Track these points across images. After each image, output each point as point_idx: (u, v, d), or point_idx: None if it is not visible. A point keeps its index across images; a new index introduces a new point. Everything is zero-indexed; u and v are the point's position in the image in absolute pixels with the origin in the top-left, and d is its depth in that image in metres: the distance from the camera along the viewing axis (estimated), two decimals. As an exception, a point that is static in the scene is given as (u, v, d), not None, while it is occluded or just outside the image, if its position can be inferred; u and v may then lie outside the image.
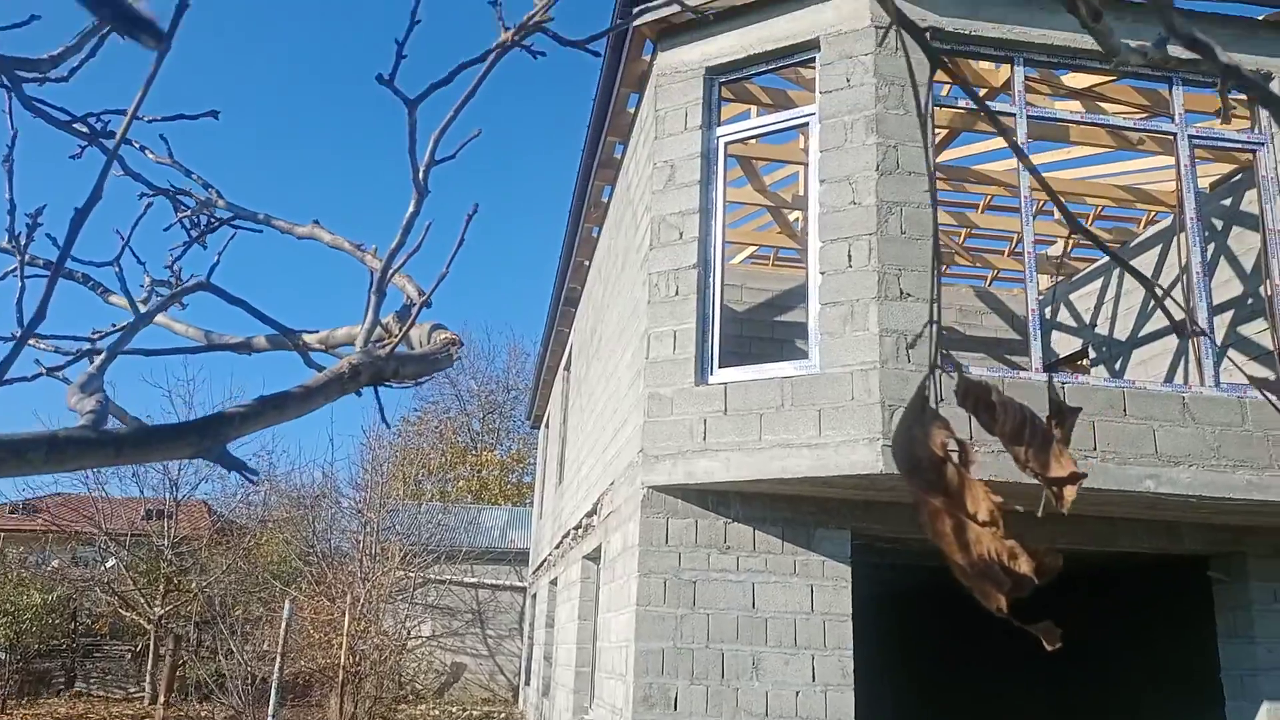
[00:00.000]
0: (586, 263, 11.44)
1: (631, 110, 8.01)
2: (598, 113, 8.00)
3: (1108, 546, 6.91)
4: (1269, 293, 6.59)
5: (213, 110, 1.40)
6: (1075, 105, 7.92)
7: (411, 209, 0.97)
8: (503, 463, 35.31)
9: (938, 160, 9.14)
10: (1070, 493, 0.99)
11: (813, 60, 6.38)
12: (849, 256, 6.03)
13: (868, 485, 6.12)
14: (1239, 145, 6.69)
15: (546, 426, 17.50)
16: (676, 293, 6.53)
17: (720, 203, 6.61)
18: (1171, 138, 6.55)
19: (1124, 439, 5.92)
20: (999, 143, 9.81)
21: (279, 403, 0.80)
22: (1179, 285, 9.03)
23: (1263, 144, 6.56)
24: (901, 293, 5.92)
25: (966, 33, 6.26)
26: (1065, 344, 11.44)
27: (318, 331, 1.23)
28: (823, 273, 6.10)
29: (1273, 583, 6.88)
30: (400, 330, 0.97)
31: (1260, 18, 6.62)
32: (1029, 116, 6.37)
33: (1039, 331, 6.16)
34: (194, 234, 1.54)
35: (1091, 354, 10.88)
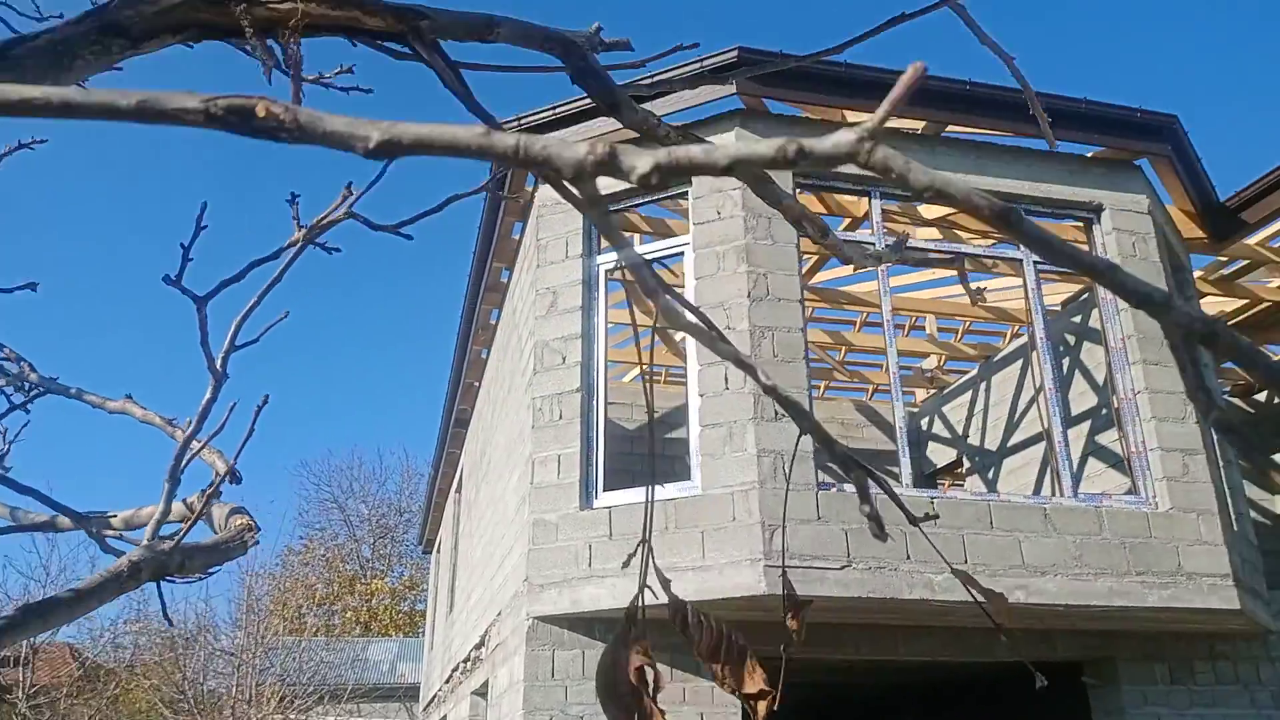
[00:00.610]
0: (476, 384, 11.39)
1: (517, 237, 8.18)
2: (482, 241, 8.14)
3: (987, 657, 7.04)
4: (1116, 405, 7.05)
5: (31, 282, 1.38)
6: (934, 232, 8.49)
7: (208, 395, 0.98)
8: (394, 590, 33.89)
9: (811, 283, 9.58)
10: (763, 708, 1.03)
11: (687, 193, 6.68)
12: (726, 380, 6.20)
13: (753, 606, 6.13)
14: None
15: (438, 552, 16.99)
16: (560, 417, 6.56)
17: (602, 327, 6.74)
18: (1018, 263, 7.06)
19: (993, 551, 6.13)
20: (847, 269, 10.38)
21: (44, 610, 0.77)
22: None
23: (1098, 269, 7.12)
24: (777, 414, 6.09)
25: (827, 169, 6.68)
26: (941, 454, 11.88)
27: (121, 513, 1.20)
28: (702, 395, 6.24)
29: (1142, 685, 7.11)
30: (199, 509, 0.96)
31: (1089, 154, 7.30)
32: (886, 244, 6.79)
33: (907, 448, 6.40)
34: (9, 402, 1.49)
35: (966, 464, 11.33)
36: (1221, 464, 7.70)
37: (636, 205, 6.94)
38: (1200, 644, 7.43)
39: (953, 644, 6.97)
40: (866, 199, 6.86)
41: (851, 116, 6.88)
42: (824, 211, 7.80)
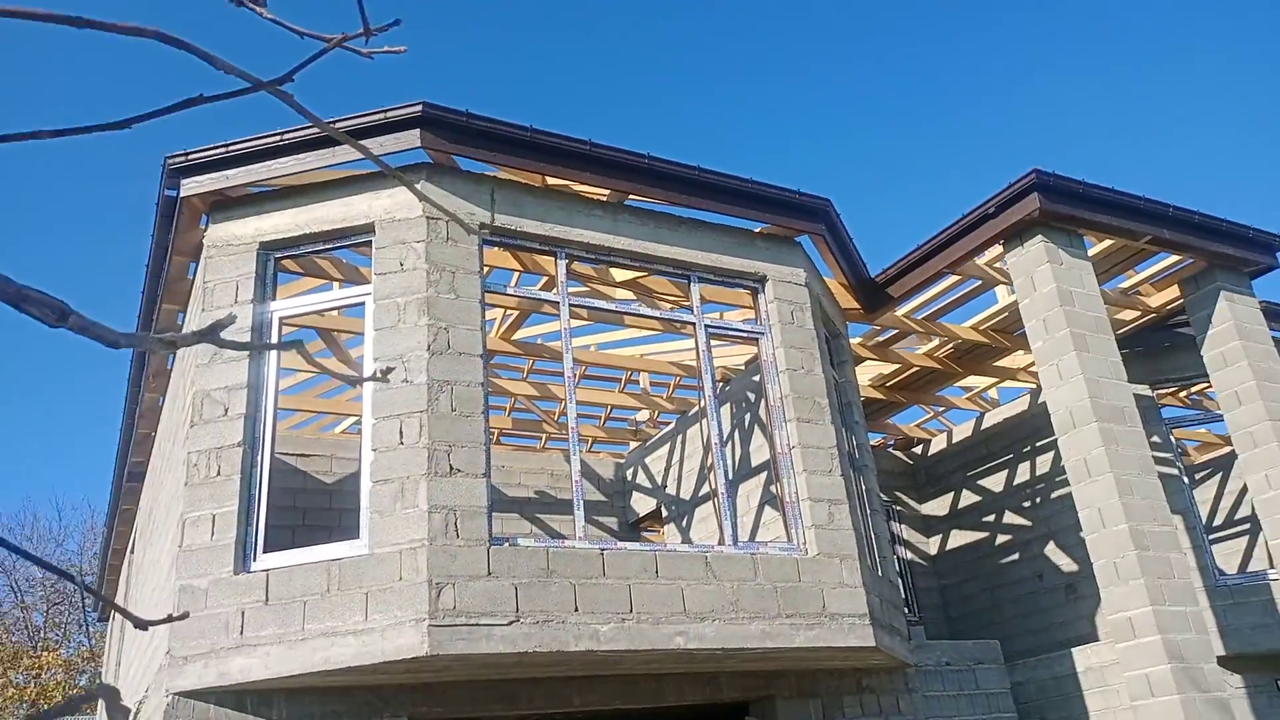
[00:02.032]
0: (152, 434, 10.42)
1: (191, 278, 7.62)
2: (150, 281, 7.51)
3: (658, 702, 7.30)
4: (774, 459, 7.65)
5: None
6: (629, 294, 8.89)
7: None
8: (69, 662, 29.91)
9: (514, 338, 9.70)
10: None
11: (369, 242, 6.55)
12: (400, 434, 6.07)
13: (420, 667, 5.98)
14: (745, 335, 7.84)
15: (113, 619, 15.23)
16: (218, 473, 6.11)
17: (273, 378, 6.40)
18: (691, 326, 7.53)
19: (657, 599, 6.39)
20: (573, 322, 10.67)
21: None
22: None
23: (764, 333, 7.76)
24: (451, 469, 6.04)
25: (515, 229, 6.82)
26: (644, 504, 12.34)
27: None
28: (375, 450, 6.07)
29: (797, 721, 7.65)
30: None
31: (757, 230, 7.97)
32: (571, 304, 7.01)
33: (581, 502, 6.56)
34: None
35: (665, 513, 11.83)
36: (869, 512, 8.58)
37: (312, 252, 6.69)
38: (849, 680, 8.13)
39: (626, 692, 7.16)
40: (554, 258, 7.05)
41: (529, 179, 7.08)
42: (519, 269, 7.94)
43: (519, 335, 10.16)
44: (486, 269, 8.14)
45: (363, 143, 6.14)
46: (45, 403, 46.36)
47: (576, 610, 6.11)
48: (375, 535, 5.91)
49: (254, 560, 6.00)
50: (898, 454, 14.24)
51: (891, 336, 10.62)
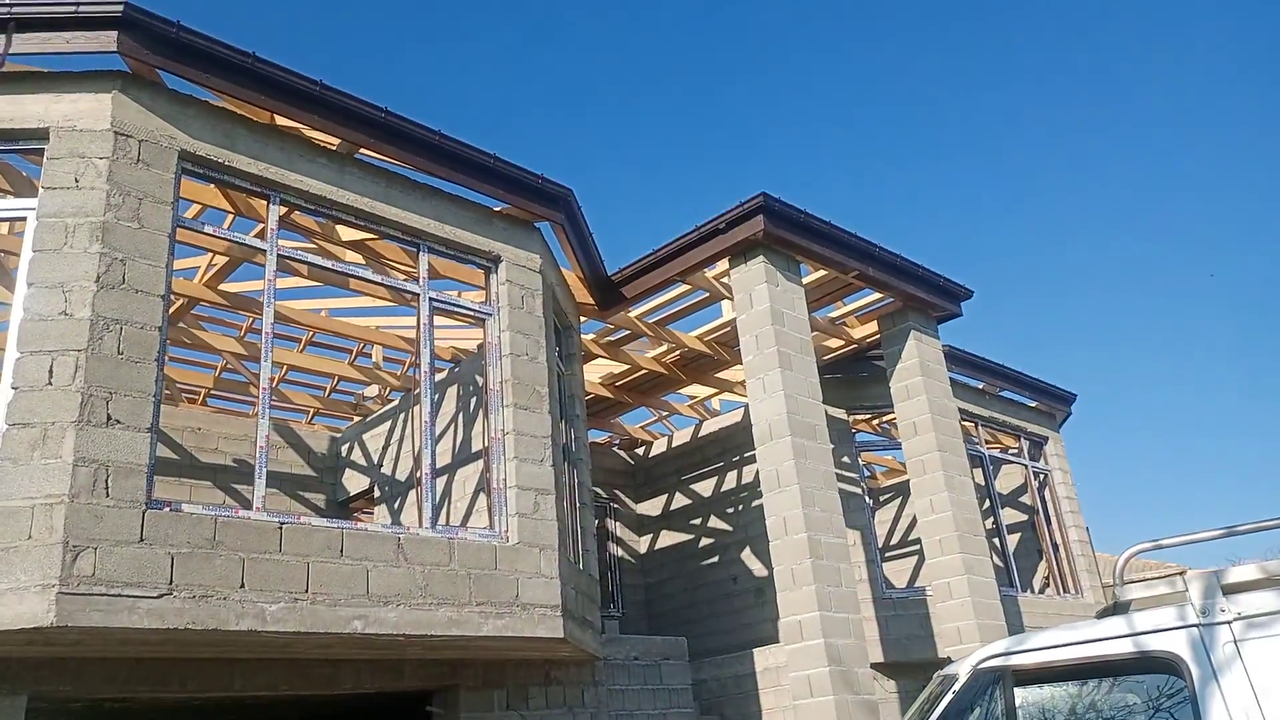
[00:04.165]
0: None
1: None
2: None
3: (332, 690, 6.90)
4: (488, 444, 7.48)
5: None
6: (359, 257, 8.36)
7: None
8: None
9: (223, 288, 8.87)
10: None
11: (42, 150, 5.67)
12: (50, 373, 5.29)
13: (47, 639, 5.23)
14: (473, 313, 7.62)
15: None
16: None
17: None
18: (416, 298, 7.20)
19: (338, 580, 6.01)
20: (297, 281, 9.94)
21: None
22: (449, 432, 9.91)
23: (491, 314, 7.57)
24: (110, 419, 5.35)
25: (223, 163, 6.18)
26: (358, 482, 11.75)
27: None
28: (15, 388, 5.24)
29: (479, 712, 7.51)
30: None
31: (496, 209, 7.78)
32: (280, 255, 6.47)
33: (264, 470, 6.05)
34: None
35: (378, 493, 11.32)
36: (579, 505, 8.62)
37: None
38: (538, 671, 8.11)
39: (296, 677, 6.70)
40: (266, 202, 6.47)
41: (254, 114, 6.47)
42: (229, 210, 7.24)
43: (235, 288, 9.33)
44: (199, 206, 7.37)
45: (47, 35, 5.34)
46: None
47: (243, 587, 5.61)
48: (5, 486, 5.10)
49: None
50: (621, 453, 14.56)
51: (624, 337, 10.80)
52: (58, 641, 5.30)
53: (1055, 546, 13.11)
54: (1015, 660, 3.41)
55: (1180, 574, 3.43)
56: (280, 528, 5.87)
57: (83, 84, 5.70)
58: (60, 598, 4.95)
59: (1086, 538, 13.85)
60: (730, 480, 13.15)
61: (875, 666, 10.56)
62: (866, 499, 11.78)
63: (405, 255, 8.21)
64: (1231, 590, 3.37)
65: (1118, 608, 3.52)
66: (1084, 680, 3.38)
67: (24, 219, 5.62)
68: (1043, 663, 3.38)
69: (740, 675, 10.60)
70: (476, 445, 9.46)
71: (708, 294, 9.78)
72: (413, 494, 10.60)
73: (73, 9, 5.43)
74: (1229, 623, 3.28)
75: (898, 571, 14.73)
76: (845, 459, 11.45)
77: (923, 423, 9.78)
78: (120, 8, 5.52)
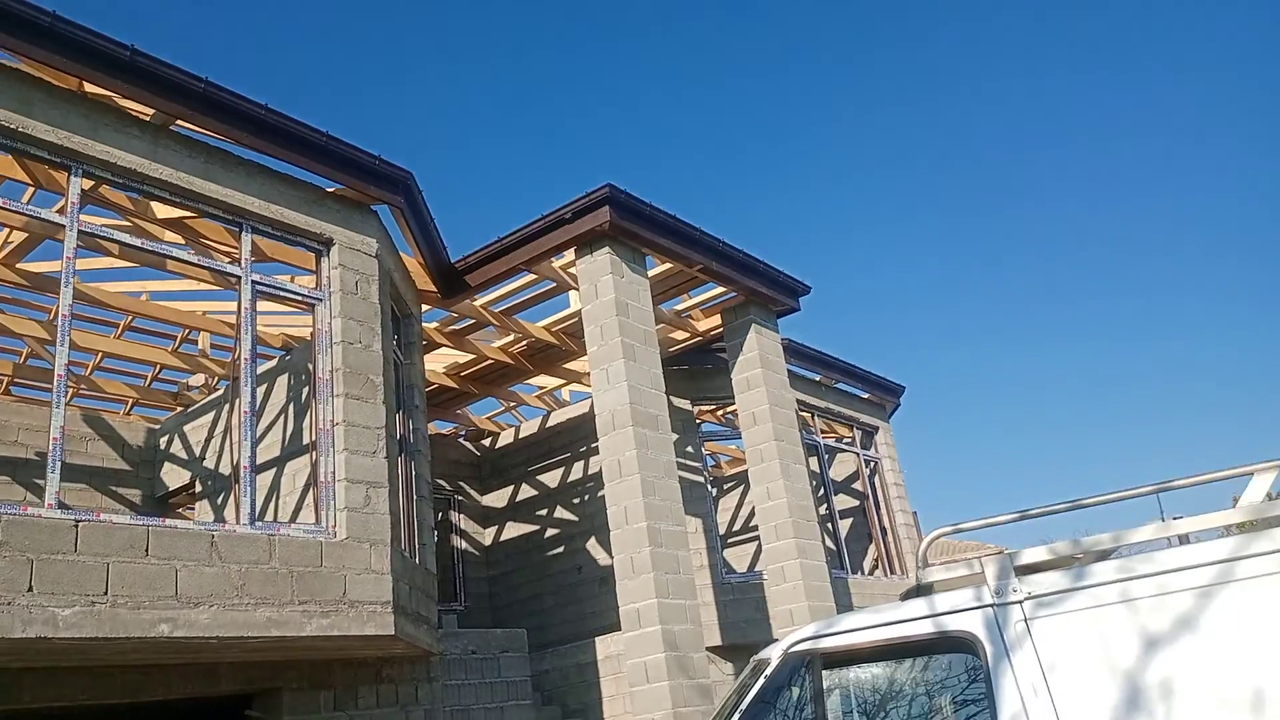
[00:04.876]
0: None
1: None
2: None
3: (139, 697, 6.45)
4: (314, 436, 7.16)
5: None
6: (179, 237, 7.81)
7: None
8: None
9: (21, 265, 8.11)
10: None
11: None
12: None
13: None
14: (301, 297, 7.26)
15: None
16: None
17: None
18: (238, 281, 6.79)
19: (143, 581, 5.60)
20: (114, 261, 9.23)
21: None
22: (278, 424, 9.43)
23: (322, 300, 7.24)
24: None
25: (17, 129, 5.62)
26: (178, 476, 11.04)
27: None
28: None
29: (305, 714, 7.20)
30: None
31: (329, 190, 7.43)
32: (81, 231, 5.96)
33: (59, 465, 5.57)
34: None
35: (199, 488, 10.67)
36: (416, 498, 8.39)
37: None
38: (369, 670, 7.84)
39: (97, 686, 6.22)
40: (68, 174, 5.94)
41: (57, 79, 5.94)
42: (28, 182, 6.61)
43: (38, 268, 8.56)
44: (-3, 177, 6.70)
45: None
46: None
47: (31, 590, 5.15)
48: None
49: None
50: (467, 445, 14.30)
51: (468, 326, 10.58)
52: None
53: (884, 530, 13.78)
54: (824, 644, 3.51)
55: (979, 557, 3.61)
56: (76, 525, 5.42)
57: None
58: None
59: (913, 521, 14.64)
60: (577, 471, 13.14)
61: (714, 650, 10.80)
62: (709, 488, 12.02)
63: (229, 236, 7.75)
64: (1024, 571, 3.57)
65: (920, 589, 3.68)
66: (889, 661, 3.51)
67: None
68: (850, 645, 3.50)
69: (582, 664, 10.61)
70: (308, 438, 9.05)
71: (555, 284, 9.71)
72: (238, 488, 10.04)
73: None
74: (1020, 602, 3.48)
75: (739, 557, 15.13)
76: (689, 449, 11.63)
77: (761, 413, 10.04)
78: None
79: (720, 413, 13.30)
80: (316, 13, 54.40)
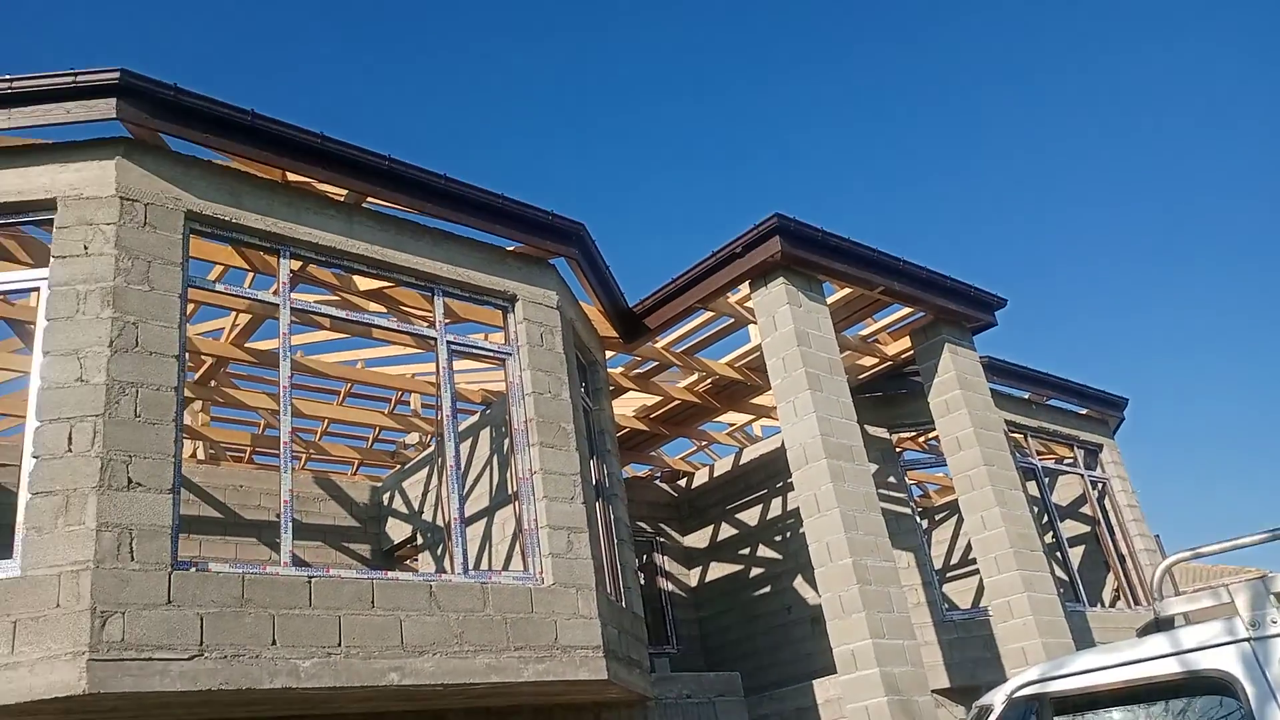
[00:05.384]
0: None
1: None
2: None
3: (373, 743, 6.79)
4: (515, 485, 7.38)
5: None
6: (381, 306, 8.37)
7: None
8: None
9: (250, 345, 8.95)
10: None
11: (52, 221, 5.76)
12: (70, 439, 5.32)
13: (82, 708, 5.21)
14: (492, 353, 7.56)
15: None
16: None
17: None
18: (433, 342, 7.16)
19: (371, 631, 5.92)
20: (328, 334, 10.02)
21: None
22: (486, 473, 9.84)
23: (511, 354, 7.50)
24: (130, 482, 5.35)
25: (231, 220, 6.22)
26: (401, 530, 11.72)
27: None
28: (36, 457, 5.28)
29: (525, 759, 7.33)
30: None
31: (509, 249, 7.74)
32: (293, 308, 6.48)
33: (290, 525, 6.01)
34: None
35: (420, 540, 11.27)
36: (618, 542, 8.46)
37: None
38: (587, 714, 7.91)
39: (336, 734, 6.61)
40: (277, 257, 6.50)
41: (262, 171, 6.52)
42: (247, 267, 7.30)
43: (264, 345, 9.41)
44: (221, 267, 7.45)
45: (47, 107, 5.43)
46: None
47: (274, 644, 5.54)
48: (31, 556, 5.12)
49: None
50: (664, 486, 14.37)
51: (653, 368, 10.67)
52: (93, 709, 5.27)
53: (1121, 558, 12.58)
54: (1054, 686, 3.16)
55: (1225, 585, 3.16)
56: (309, 581, 5.81)
57: (86, 152, 5.80)
58: (91, 664, 4.93)
59: (1155, 546, 13.27)
60: (776, 507, 12.88)
61: (941, 692, 10.17)
62: (918, 519, 11.43)
63: (424, 301, 8.22)
64: (1285, 599, 3.09)
65: (1160, 623, 3.25)
66: (1129, 705, 3.11)
67: (37, 289, 5.70)
68: (1083, 688, 3.13)
69: (801, 709, 10.26)
70: (512, 487, 9.37)
71: (733, 319, 9.63)
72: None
73: (70, 80, 5.54)
74: (1282, 635, 3.00)
75: (963, 592, 14.27)
76: (891, 479, 11.13)
77: (966, 437, 9.46)
78: (117, 75, 5.60)
79: (922, 439, 12.67)
80: (467, 70, 57.70)
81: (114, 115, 5.63)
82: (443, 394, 6.99)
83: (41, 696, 4.89)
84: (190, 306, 7.66)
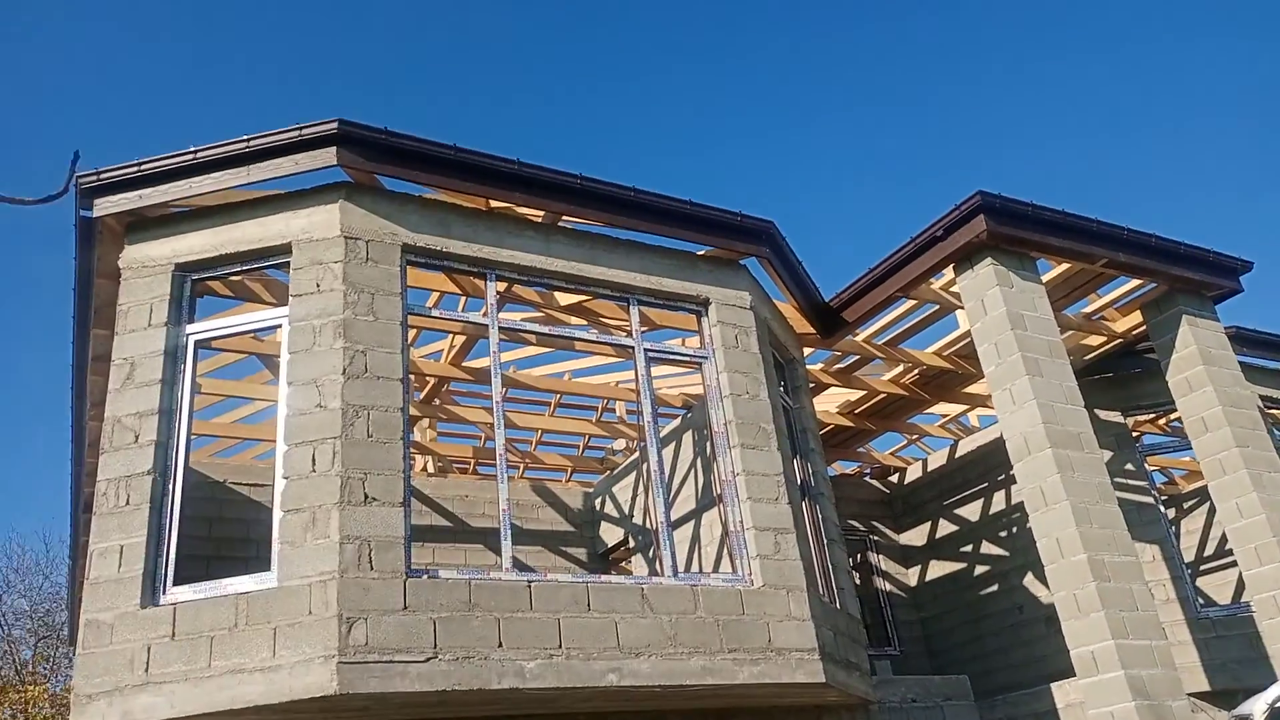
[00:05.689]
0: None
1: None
2: (79, 305, 7.34)
3: (600, 745, 6.99)
4: (718, 487, 7.40)
5: None
6: (580, 320, 8.66)
7: None
8: (56, 697, 29.48)
9: (466, 364, 9.50)
10: None
11: (288, 263, 6.37)
12: (313, 460, 5.85)
13: (333, 707, 5.71)
14: (688, 359, 7.63)
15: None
16: (127, 502, 5.90)
17: (187, 403, 6.20)
18: (631, 350, 7.32)
19: (588, 634, 6.12)
20: (536, 350, 10.49)
21: None
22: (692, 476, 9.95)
23: (707, 358, 7.54)
24: (366, 497, 5.82)
25: (441, 249, 6.64)
26: (613, 534, 12.06)
27: None
28: (286, 478, 5.85)
29: (746, 761, 7.32)
30: None
31: (700, 253, 7.78)
32: (501, 327, 6.81)
33: (509, 532, 6.32)
34: None
35: (632, 543, 11.55)
36: (827, 542, 8.30)
37: (231, 273, 6.53)
38: (808, 716, 7.81)
39: (564, 733, 6.87)
40: (484, 280, 6.87)
41: (466, 200, 6.91)
42: (459, 292, 7.76)
43: (479, 364, 9.98)
44: (437, 294, 7.99)
45: (278, 161, 6.02)
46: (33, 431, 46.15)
47: (500, 646, 5.85)
48: (285, 567, 5.67)
49: (163, 593, 5.77)
50: (874, 483, 13.95)
51: (854, 363, 10.39)
52: (344, 708, 5.75)
53: None
54: (1332, 695, 2.78)
55: None
56: (529, 586, 6.08)
57: (313, 198, 6.37)
58: (340, 667, 5.39)
59: None
60: (998, 501, 12.17)
61: (1200, 696, 9.25)
62: (1162, 509, 10.45)
63: (621, 311, 8.42)
64: None
65: None
66: None
67: (279, 326, 6.32)
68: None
69: (1039, 714, 9.63)
70: (717, 490, 9.40)
71: (938, 306, 9.20)
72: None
73: (296, 134, 6.11)
74: None
75: (1220, 586, 12.92)
76: (1129, 466, 10.25)
77: (1213, 417, 8.55)
78: (335, 125, 6.13)
79: (1163, 421, 11.58)
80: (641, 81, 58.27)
81: (335, 162, 6.17)
82: (643, 401, 7.12)
83: (300, 696, 5.40)
84: (411, 332, 8.29)
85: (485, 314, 6.96)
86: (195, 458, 10.41)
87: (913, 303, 9.10)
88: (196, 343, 6.34)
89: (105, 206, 6.27)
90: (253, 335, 7.97)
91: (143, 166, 6.18)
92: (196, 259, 6.33)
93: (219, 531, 9.57)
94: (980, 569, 12.38)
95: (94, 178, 6.17)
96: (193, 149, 6.15)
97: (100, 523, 5.89)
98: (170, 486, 6.00)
